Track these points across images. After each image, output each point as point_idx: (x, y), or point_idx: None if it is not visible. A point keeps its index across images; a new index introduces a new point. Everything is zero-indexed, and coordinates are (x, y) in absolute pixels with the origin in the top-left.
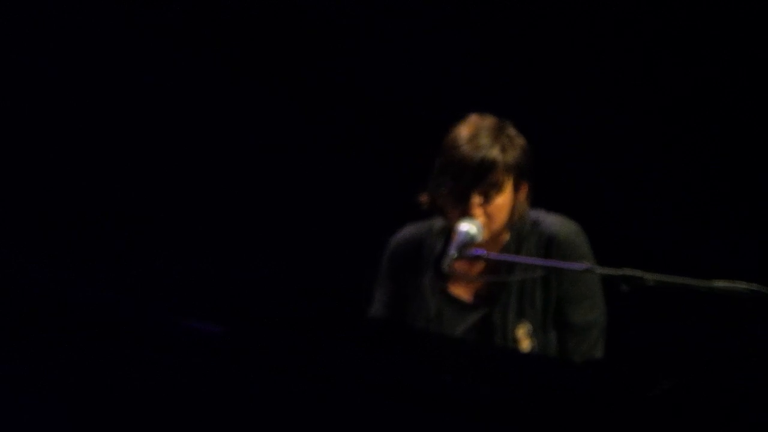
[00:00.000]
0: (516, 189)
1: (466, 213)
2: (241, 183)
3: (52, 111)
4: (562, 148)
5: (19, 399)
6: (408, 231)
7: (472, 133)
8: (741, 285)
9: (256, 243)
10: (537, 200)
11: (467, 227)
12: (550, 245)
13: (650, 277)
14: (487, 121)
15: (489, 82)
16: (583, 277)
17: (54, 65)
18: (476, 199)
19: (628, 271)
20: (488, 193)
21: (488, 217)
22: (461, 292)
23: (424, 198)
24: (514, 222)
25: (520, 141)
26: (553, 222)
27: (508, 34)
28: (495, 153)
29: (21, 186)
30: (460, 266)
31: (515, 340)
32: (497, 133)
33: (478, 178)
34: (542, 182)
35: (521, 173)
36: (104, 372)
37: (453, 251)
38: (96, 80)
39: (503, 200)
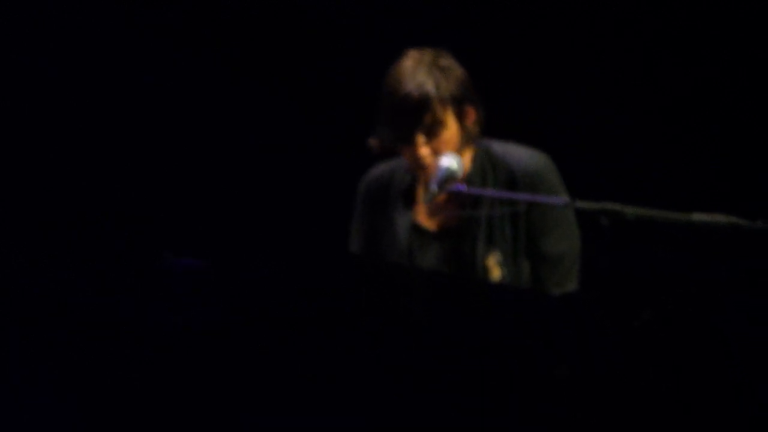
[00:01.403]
0: (460, 118)
1: (415, 153)
2: (240, 183)
3: (52, 111)
4: (539, 84)
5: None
6: (378, 169)
7: (407, 71)
8: (720, 217)
9: (255, 243)
10: (507, 133)
11: (448, 162)
12: (514, 177)
13: (629, 210)
14: (421, 56)
15: (488, 81)
16: (552, 208)
17: (54, 65)
18: (420, 139)
19: (607, 205)
20: (431, 131)
21: (437, 153)
22: (429, 223)
23: (373, 142)
24: (468, 146)
25: (455, 71)
26: (521, 155)
27: (508, 34)
28: (429, 88)
29: (21, 186)
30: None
31: (486, 270)
32: (430, 68)
33: (416, 120)
34: (520, 116)
35: (461, 102)
36: (103, 368)
37: (434, 186)
38: (96, 80)
39: (449, 134)
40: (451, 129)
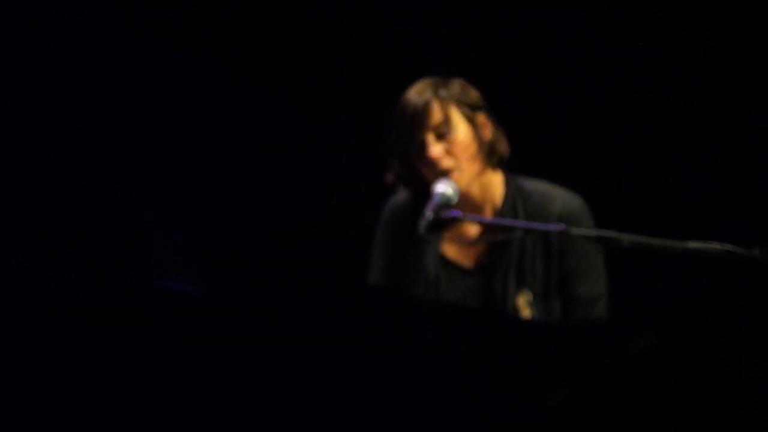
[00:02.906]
0: (473, 123)
1: (429, 162)
2: (241, 183)
3: (52, 111)
4: (541, 111)
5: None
6: (403, 196)
7: (412, 89)
8: (715, 246)
9: (255, 244)
10: (517, 163)
11: (443, 188)
12: (550, 218)
13: (625, 238)
14: (430, 79)
15: (488, 81)
16: (589, 251)
17: (54, 65)
18: (431, 139)
19: (603, 232)
20: (439, 130)
21: (452, 154)
22: (459, 257)
23: (389, 178)
24: (505, 176)
25: (463, 86)
26: (558, 195)
27: (509, 35)
28: (428, 95)
29: (20, 186)
30: (454, 229)
31: (515, 309)
32: (435, 83)
33: (420, 120)
34: (520, 145)
35: (470, 107)
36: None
37: (429, 212)
38: (96, 80)
39: (461, 135)
40: (460, 130)
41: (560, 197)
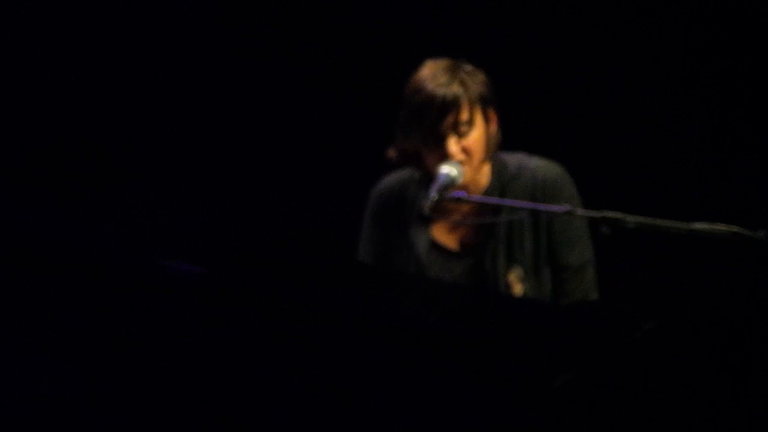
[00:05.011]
0: (486, 121)
1: (444, 155)
2: (240, 183)
3: (53, 111)
4: (543, 89)
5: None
6: (390, 180)
7: (431, 74)
8: (721, 227)
9: (249, 197)
10: (520, 143)
11: (447, 169)
12: (535, 189)
13: (631, 219)
14: (443, 62)
15: (485, 55)
16: (574, 219)
17: (54, 65)
18: (452, 138)
19: (608, 213)
20: (461, 129)
21: (467, 153)
22: (448, 240)
23: (392, 153)
24: (491, 157)
25: (478, 74)
26: (538, 165)
27: (509, 35)
28: (456, 88)
29: (20, 185)
30: (445, 211)
31: (507, 286)
32: (454, 70)
33: (447, 116)
34: (523, 125)
35: (486, 103)
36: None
37: (434, 193)
38: (97, 80)
39: (478, 134)
40: (479, 129)
41: (541, 167)
